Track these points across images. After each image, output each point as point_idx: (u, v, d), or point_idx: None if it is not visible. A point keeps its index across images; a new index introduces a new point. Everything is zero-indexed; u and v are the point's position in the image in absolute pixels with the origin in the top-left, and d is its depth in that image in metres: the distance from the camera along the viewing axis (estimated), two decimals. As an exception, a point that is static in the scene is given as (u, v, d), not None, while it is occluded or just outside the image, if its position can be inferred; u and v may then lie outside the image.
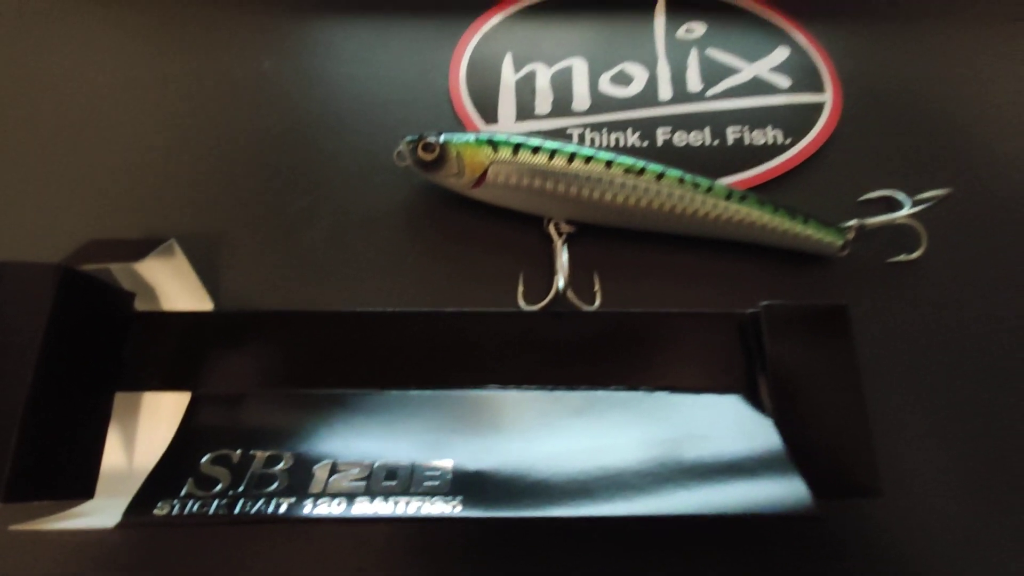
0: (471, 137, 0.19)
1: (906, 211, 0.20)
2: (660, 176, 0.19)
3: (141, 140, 0.21)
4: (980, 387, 0.18)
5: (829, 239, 0.19)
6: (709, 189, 0.19)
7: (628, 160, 0.19)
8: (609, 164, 0.19)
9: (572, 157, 0.18)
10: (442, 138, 0.19)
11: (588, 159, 0.19)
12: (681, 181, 0.19)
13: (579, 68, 0.22)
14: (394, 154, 0.19)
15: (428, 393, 0.17)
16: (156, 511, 0.14)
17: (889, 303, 0.20)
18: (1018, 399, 0.18)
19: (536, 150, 0.18)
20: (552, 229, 0.19)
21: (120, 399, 0.16)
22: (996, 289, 0.20)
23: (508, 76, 0.22)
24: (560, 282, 0.18)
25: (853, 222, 0.20)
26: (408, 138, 0.19)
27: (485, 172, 0.19)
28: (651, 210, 0.19)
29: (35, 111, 0.21)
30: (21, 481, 0.13)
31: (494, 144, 0.19)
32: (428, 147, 0.18)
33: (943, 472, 0.17)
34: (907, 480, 0.17)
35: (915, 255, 0.20)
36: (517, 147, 0.19)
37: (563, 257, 0.19)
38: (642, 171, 0.19)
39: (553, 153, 0.18)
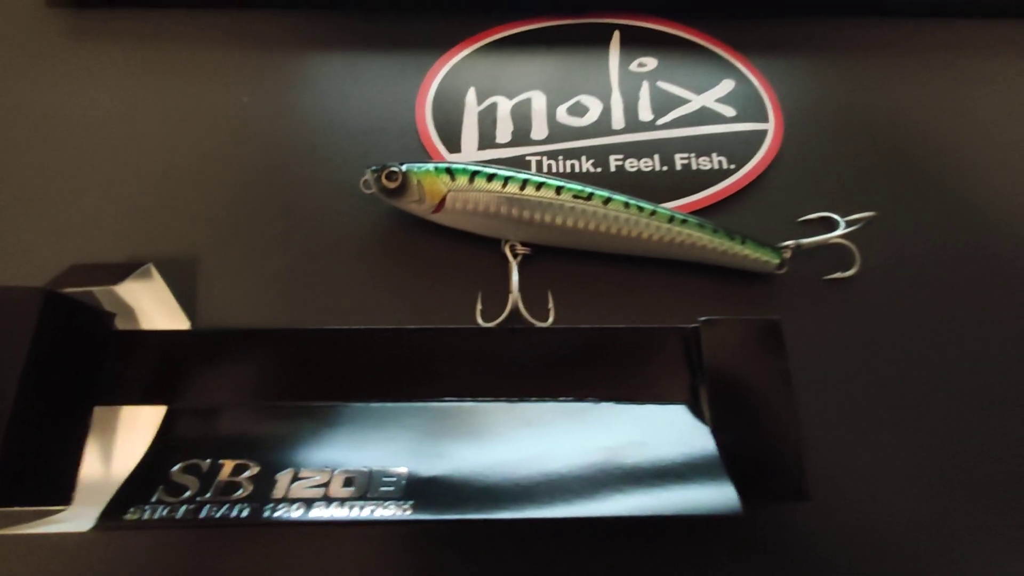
0: (431, 166, 0.20)
1: (839, 232, 0.21)
2: (607, 201, 0.20)
3: (126, 169, 0.22)
4: (907, 397, 0.20)
5: (766, 258, 0.21)
6: (653, 213, 0.20)
7: (577, 186, 0.20)
8: (559, 190, 0.20)
9: (524, 184, 0.20)
10: (404, 167, 0.20)
11: (539, 186, 0.20)
12: (626, 206, 0.20)
13: (538, 100, 0.24)
14: (360, 182, 0.20)
15: (389, 405, 0.19)
16: (127, 516, 0.15)
17: (826, 316, 0.21)
18: (940, 408, 0.19)
19: (491, 178, 0.20)
20: (508, 251, 0.21)
21: (99, 413, 0.17)
22: (924, 304, 0.21)
23: (471, 107, 0.24)
24: (515, 301, 0.20)
25: (790, 242, 0.21)
26: (372, 168, 0.20)
27: (444, 198, 0.20)
28: (599, 233, 0.20)
29: (23, 142, 0.22)
30: (2, 488, 0.14)
31: (451, 173, 0.20)
32: (391, 175, 0.20)
33: (869, 478, 0.19)
34: (835, 485, 0.18)
35: (850, 272, 0.21)
36: (473, 175, 0.20)
37: (515, 277, 0.20)
38: (590, 196, 0.20)
39: (507, 180, 0.20)
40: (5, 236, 0.21)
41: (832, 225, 0.22)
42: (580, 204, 0.20)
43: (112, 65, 0.24)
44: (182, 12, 0.25)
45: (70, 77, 0.24)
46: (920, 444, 0.19)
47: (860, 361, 0.20)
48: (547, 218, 0.20)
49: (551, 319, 0.20)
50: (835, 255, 0.21)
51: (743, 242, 0.20)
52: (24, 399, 0.15)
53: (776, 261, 0.21)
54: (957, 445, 0.19)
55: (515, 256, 0.21)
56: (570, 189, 0.20)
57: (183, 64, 0.24)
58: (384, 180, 0.20)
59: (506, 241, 0.21)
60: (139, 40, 0.24)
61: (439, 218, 0.20)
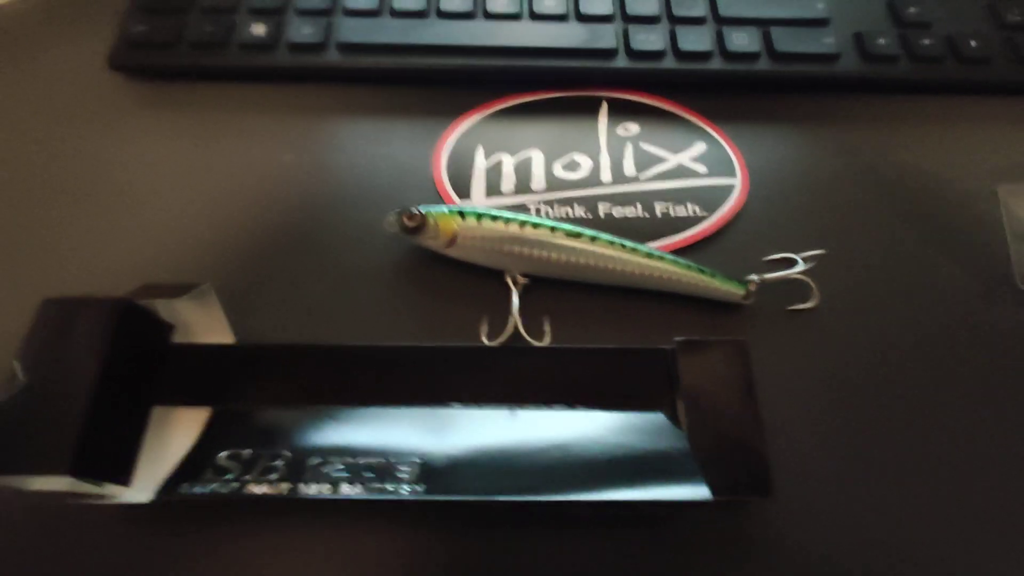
0: (445, 208, 0.24)
1: (798, 269, 0.25)
2: (593, 239, 0.24)
3: (186, 211, 0.26)
4: (861, 409, 0.22)
5: (733, 289, 0.24)
6: (634, 250, 0.24)
7: (568, 227, 0.24)
8: (553, 230, 0.24)
9: (523, 224, 0.23)
10: (422, 209, 0.24)
11: (536, 226, 0.24)
12: (611, 243, 0.24)
13: (537, 157, 0.28)
14: (384, 222, 0.24)
15: (404, 409, 0.21)
16: (181, 490, 0.18)
17: (789, 340, 0.24)
18: (891, 416, 0.22)
19: (495, 218, 0.24)
20: (509, 280, 0.24)
21: (156, 412, 0.20)
22: (876, 329, 0.24)
23: (480, 163, 0.28)
24: (515, 323, 0.23)
25: (754, 276, 0.24)
26: (396, 210, 0.24)
27: (455, 235, 0.24)
28: (588, 266, 0.24)
29: (107, 187, 0.26)
30: (81, 464, 0.17)
31: (462, 214, 0.24)
32: (411, 216, 0.24)
33: (825, 478, 0.21)
34: (794, 483, 0.21)
35: (809, 304, 0.24)
36: (480, 216, 0.24)
37: (515, 303, 0.23)
38: (579, 235, 0.24)
39: (508, 221, 0.24)
40: (83, 260, 0.24)
41: (792, 264, 0.25)
42: (571, 242, 0.24)
43: (169, 125, 0.28)
44: (232, 85, 0.30)
45: (146, 137, 0.28)
46: (873, 449, 0.21)
47: (820, 376, 0.23)
48: (543, 253, 0.23)
49: (547, 339, 0.23)
50: (795, 289, 0.25)
51: (712, 276, 0.24)
52: (101, 393, 0.18)
53: (742, 292, 0.24)
54: (905, 450, 0.21)
55: (516, 285, 0.24)
56: (562, 229, 0.24)
57: (234, 128, 0.28)
58: (405, 220, 0.24)
59: (508, 272, 0.24)
60: (194, 107, 0.29)
61: (451, 252, 0.24)
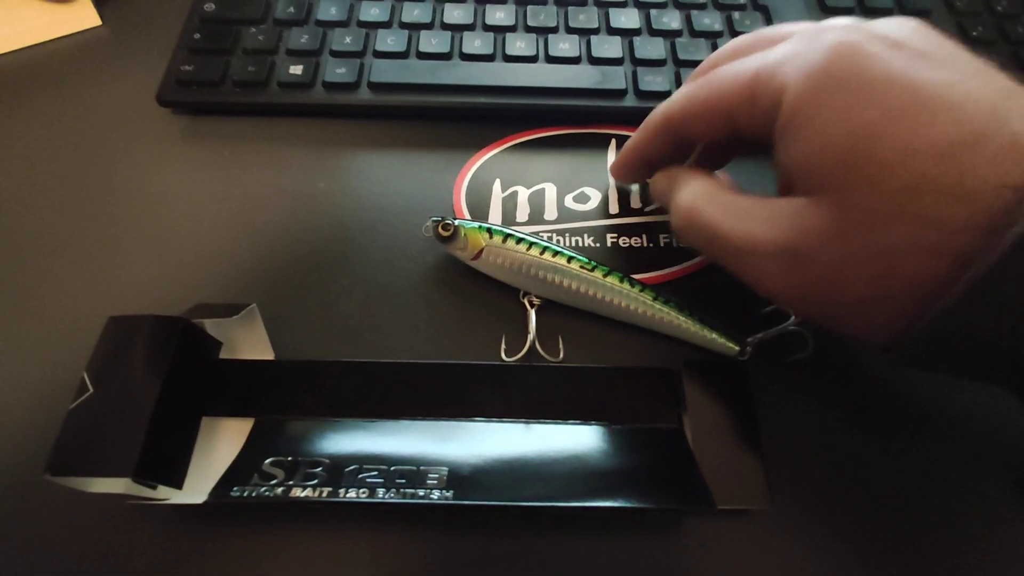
0: (476, 224, 0.26)
1: (791, 322, 0.25)
2: (606, 274, 0.25)
3: (229, 235, 0.28)
4: (851, 433, 0.24)
5: (729, 345, 0.24)
6: (642, 289, 0.25)
7: (584, 259, 0.26)
8: (570, 259, 0.26)
9: (544, 250, 0.25)
10: (456, 221, 0.26)
11: (555, 253, 0.25)
12: (621, 280, 0.25)
13: (550, 190, 0.30)
14: (422, 228, 0.26)
15: (431, 422, 0.23)
16: (232, 493, 0.20)
17: (790, 380, 0.25)
18: (876, 441, 0.24)
19: (519, 241, 0.26)
20: (525, 300, 0.26)
21: (205, 422, 0.22)
22: (871, 366, 0.26)
23: (497, 194, 0.30)
24: (532, 340, 0.25)
25: (752, 339, 0.24)
26: (433, 218, 0.26)
27: (482, 250, 0.26)
28: (597, 299, 0.25)
29: (156, 213, 0.29)
30: (142, 468, 0.19)
31: (490, 232, 0.26)
32: (446, 226, 0.26)
33: (818, 493, 0.22)
34: (790, 497, 0.22)
35: (805, 354, 0.24)
36: (506, 236, 0.26)
37: (532, 322, 0.25)
38: (593, 268, 0.25)
39: (531, 245, 0.25)
40: (138, 279, 0.26)
41: (786, 316, 0.25)
42: (585, 273, 0.25)
43: (213, 156, 0.31)
44: (272, 120, 0.32)
45: (178, 163, 0.30)
46: (862, 470, 0.23)
47: (813, 405, 0.25)
48: (557, 279, 0.25)
49: (561, 356, 0.25)
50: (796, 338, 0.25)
51: (712, 330, 0.25)
52: (161, 403, 0.20)
53: (736, 349, 0.25)
54: (898, 471, 0.23)
55: (531, 306, 0.26)
56: (579, 260, 0.26)
57: (272, 159, 0.31)
58: (440, 229, 0.26)
59: (525, 293, 0.26)
60: (236, 139, 0.31)
61: (477, 265, 0.26)
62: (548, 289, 0.26)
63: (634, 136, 0.26)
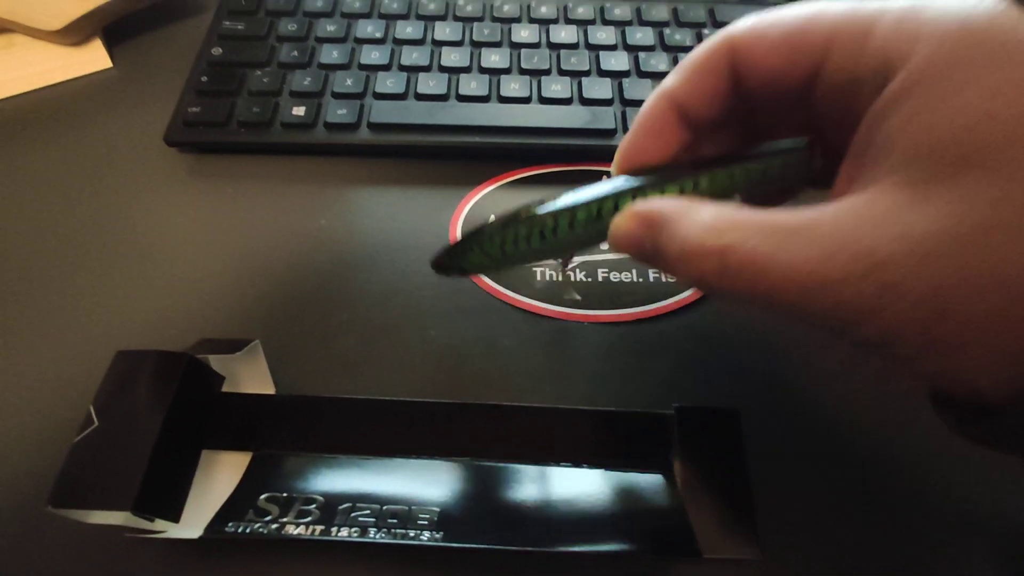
0: (467, 255, 0.20)
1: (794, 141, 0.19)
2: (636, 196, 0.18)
3: (232, 270, 0.29)
4: (844, 484, 0.24)
5: (793, 157, 0.18)
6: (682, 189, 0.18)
7: (596, 199, 0.18)
8: (592, 217, 0.18)
9: (556, 227, 0.19)
10: (453, 269, 0.20)
11: (571, 223, 0.19)
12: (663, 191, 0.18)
13: (544, 226, 0.31)
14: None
15: (424, 460, 0.23)
16: (227, 529, 0.20)
17: (782, 428, 0.25)
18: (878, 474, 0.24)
19: (529, 236, 0.19)
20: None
21: (205, 455, 0.23)
22: (858, 392, 0.26)
23: (493, 231, 0.31)
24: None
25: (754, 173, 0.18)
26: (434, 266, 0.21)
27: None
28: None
29: (161, 248, 0.30)
30: (141, 502, 0.19)
31: (489, 255, 0.19)
32: (444, 269, 0.21)
33: (810, 544, 0.23)
34: (782, 548, 0.22)
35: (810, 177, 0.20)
36: (502, 252, 0.19)
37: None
38: (616, 206, 0.18)
39: (539, 234, 0.19)
40: (143, 313, 0.27)
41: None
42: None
43: (218, 193, 0.32)
44: (275, 158, 0.33)
45: (184, 200, 0.31)
46: (853, 521, 0.23)
47: (804, 450, 0.25)
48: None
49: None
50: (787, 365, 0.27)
51: (768, 160, 0.18)
52: (163, 437, 0.21)
53: (804, 147, 0.18)
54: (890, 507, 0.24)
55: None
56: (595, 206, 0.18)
57: (276, 196, 0.32)
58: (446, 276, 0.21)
59: None
60: (241, 177, 0.32)
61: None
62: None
63: (666, 79, 0.19)
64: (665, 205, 0.16)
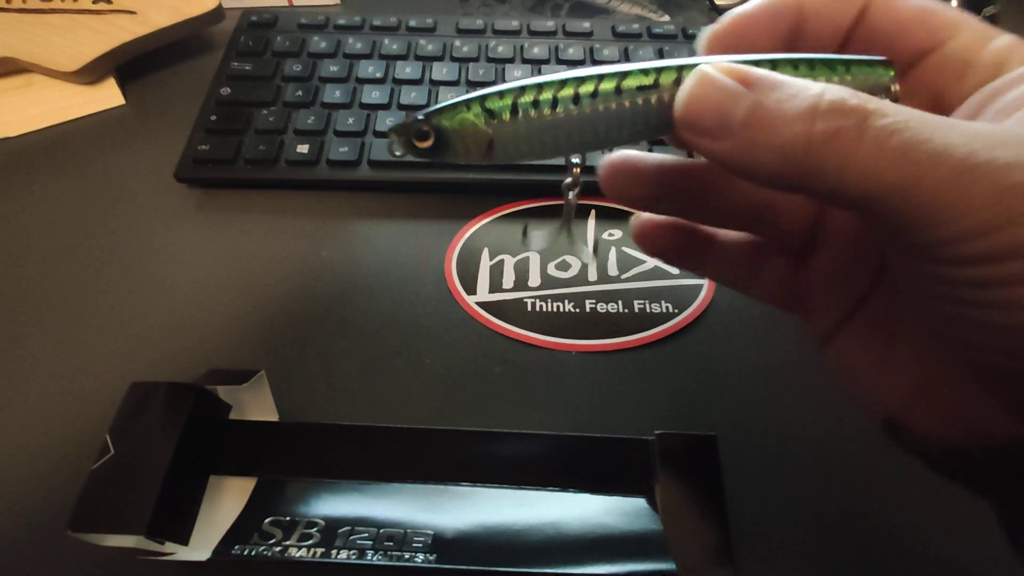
0: (463, 108, 0.15)
1: None
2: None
3: (238, 300, 0.30)
4: (819, 506, 0.25)
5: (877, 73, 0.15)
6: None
7: (637, 70, 0.15)
8: (620, 85, 0.15)
9: (576, 96, 0.15)
10: (432, 121, 0.16)
11: (594, 93, 0.15)
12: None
13: (533, 258, 0.33)
14: (387, 147, 0.19)
15: (420, 485, 0.25)
16: (234, 551, 0.21)
17: (760, 453, 0.27)
18: (850, 502, 0.26)
19: (535, 105, 0.15)
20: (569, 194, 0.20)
21: (212, 480, 0.24)
22: (838, 411, 0.28)
23: (485, 262, 0.33)
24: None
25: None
26: (392, 126, 0.16)
27: (490, 142, 0.16)
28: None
29: (170, 280, 0.31)
30: (154, 526, 0.21)
31: (491, 113, 0.15)
32: (421, 134, 0.16)
33: (785, 568, 0.24)
34: (758, 569, 0.24)
35: None
36: (514, 106, 0.15)
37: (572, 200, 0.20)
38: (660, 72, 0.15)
39: (554, 103, 0.15)
40: (152, 342, 0.29)
41: None
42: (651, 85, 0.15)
43: (225, 227, 0.33)
44: (280, 193, 0.35)
45: (192, 234, 0.33)
46: (834, 540, 0.24)
47: (778, 473, 0.26)
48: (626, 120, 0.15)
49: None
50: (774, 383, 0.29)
51: (846, 69, 0.15)
52: (174, 464, 0.22)
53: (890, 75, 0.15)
54: (866, 527, 0.25)
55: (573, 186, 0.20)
56: (634, 75, 0.15)
57: (280, 229, 0.33)
58: (415, 141, 0.16)
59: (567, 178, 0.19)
60: (247, 212, 0.34)
61: (490, 160, 0.16)
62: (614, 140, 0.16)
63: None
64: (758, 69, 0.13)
